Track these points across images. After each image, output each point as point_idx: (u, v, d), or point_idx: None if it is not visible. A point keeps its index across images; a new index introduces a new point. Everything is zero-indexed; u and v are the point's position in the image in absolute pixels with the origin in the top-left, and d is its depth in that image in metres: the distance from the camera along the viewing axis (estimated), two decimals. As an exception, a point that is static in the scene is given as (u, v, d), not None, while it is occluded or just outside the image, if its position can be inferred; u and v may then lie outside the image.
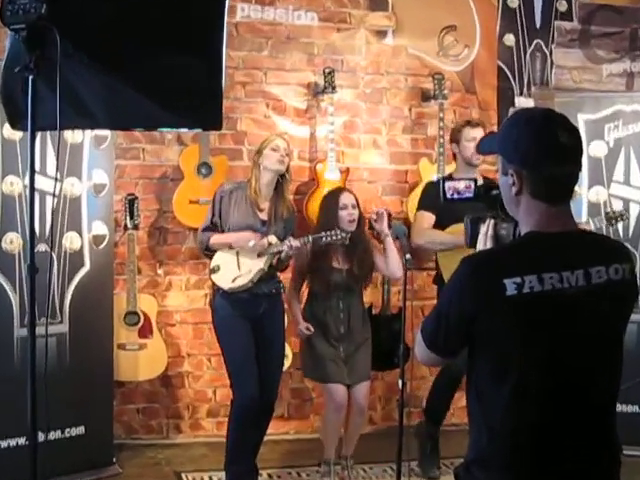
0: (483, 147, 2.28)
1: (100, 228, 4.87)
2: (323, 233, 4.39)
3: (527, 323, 1.95)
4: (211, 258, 4.45)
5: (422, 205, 4.87)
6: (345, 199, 4.62)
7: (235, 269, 4.37)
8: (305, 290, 4.82)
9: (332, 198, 4.69)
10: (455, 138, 4.87)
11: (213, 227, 4.44)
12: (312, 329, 4.58)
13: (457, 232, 4.49)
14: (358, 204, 4.67)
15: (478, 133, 4.69)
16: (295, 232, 4.56)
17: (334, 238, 4.39)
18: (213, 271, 4.42)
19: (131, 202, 5.14)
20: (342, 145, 5.72)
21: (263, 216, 4.44)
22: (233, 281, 4.36)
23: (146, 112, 2.88)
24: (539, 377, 1.96)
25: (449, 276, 2.07)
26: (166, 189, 5.43)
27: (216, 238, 4.40)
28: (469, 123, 4.87)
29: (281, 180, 4.47)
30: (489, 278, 1.96)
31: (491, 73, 6.02)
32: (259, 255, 4.34)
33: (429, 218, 4.80)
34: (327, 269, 4.60)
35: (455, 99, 5.94)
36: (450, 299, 2.03)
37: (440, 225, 4.76)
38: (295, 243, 4.33)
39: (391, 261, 4.60)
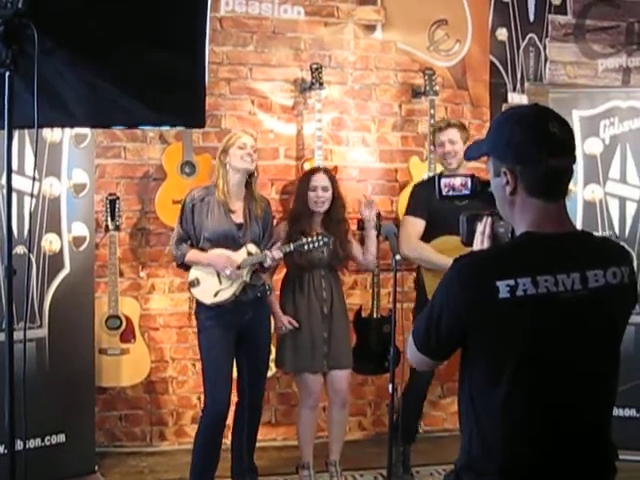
0: (470, 153, 2.21)
1: (80, 229, 4.81)
2: (304, 240, 4.30)
3: (520, 327, 1.91)
4: (187, 269, 4.34)
5: (410, 210, 4.69)
6: (315, 181, 4.53)
7: (215, 282, 4.24)
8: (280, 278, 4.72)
9: (304, 179, 4.63)
10: (433, 141, 4.79)
11: (186, 237, 4.29)
12: (295, 323, 4.47)
13: (448, 248, 4.32)
14: (334, 185, 4.57)
15: (446, 136, 4.59)
16: (272, 229, 4.47)
17: (316, 245, 4.31)
18: (192, 285, 4.30)
19: (112, 202, 5.05)
20: (330, 143, 5.64)
21: (237, 219, 4.30)
22: (215, 295, 4.24)
23: (127, 109, 2.80)
24: (533, 382, 1.92)
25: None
26: (148, 189, 5.36)
27: (192, 255, 4.26)
28: (440, 127, 4.71)
29: (249, 179, 4.35)
30: (481, 280, 1.92)
31: (483, 68, 5.97)
32: (239, 267, 4.21)
33: (417, 225, 4.60)
34: None
35: (446, 95, 5.86)
36: (441, 301, 2.00)
37: (430, 234, 4.57)
38: (277, 254, 4.24)
39: (369, 251, 4.65)
